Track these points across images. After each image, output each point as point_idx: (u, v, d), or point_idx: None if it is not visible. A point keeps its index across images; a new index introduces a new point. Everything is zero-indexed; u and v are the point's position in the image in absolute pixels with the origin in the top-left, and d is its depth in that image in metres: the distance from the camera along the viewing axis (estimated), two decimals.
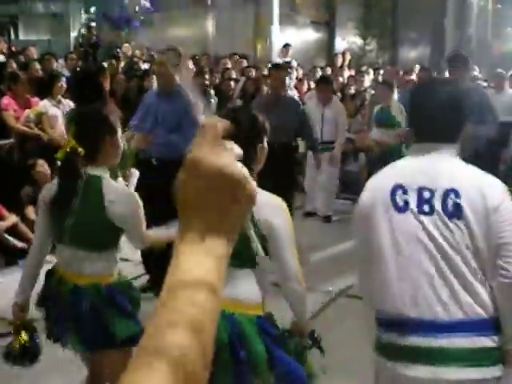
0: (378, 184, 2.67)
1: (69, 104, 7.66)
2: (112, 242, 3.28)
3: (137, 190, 3.55)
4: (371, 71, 13.01)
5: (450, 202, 2.50)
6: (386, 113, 8.56)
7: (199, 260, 0.91)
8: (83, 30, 14.01)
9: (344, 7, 18.63)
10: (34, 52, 10.62)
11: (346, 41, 18.42)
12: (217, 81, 10.86)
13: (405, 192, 2.57)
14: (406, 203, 2.56)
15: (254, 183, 0.95)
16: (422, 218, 2.53)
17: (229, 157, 0.94)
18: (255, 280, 2.84)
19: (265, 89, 9.67)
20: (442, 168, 2.58)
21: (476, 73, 14.60)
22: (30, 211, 6.86)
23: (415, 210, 2.55)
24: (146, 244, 3.36)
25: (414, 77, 11.55)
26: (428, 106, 2.65)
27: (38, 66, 8.93)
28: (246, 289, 2.81)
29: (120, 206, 3.16)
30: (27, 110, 7.73)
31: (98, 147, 3.20)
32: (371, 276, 2.68)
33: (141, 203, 3.25)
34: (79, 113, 3.49)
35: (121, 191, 3.24)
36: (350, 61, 14.15)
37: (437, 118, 2.61)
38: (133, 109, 6.22)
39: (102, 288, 3.20)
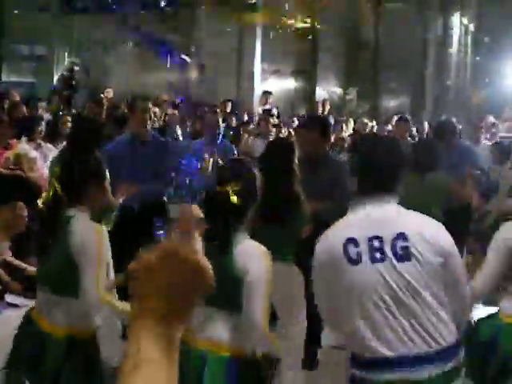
0: (330, 239, 2.79)
1: (48, 147, 7.68)
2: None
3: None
4: (351, 120, 13.14)
5: (398, 246, 2.67)
6: None
7: (154, 348, 0.97)
8: (65, 73, 14.07)
9: (325, 57, 18.91)
10: (16, 95, 10.64)
11: (327, 90, 18.65)
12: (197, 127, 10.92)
13: (356, 244, 2.69)
14: (359, 255, 2.68)
15: (212, 275, 1.03)
16: (376, 266, 2.67)
17: (198, 250, 1.01)
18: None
19: (245, 136, 9.76)
20: (388, 215, 2.76)
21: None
22: (7, 254, 6.81)
23: (368, 260, 2.68)
24: (99, 300, 3.05)
25: (390, 127, 11.72)
26: (370, 160, 2.86)
27: (24, 110, 8.92)
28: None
29: (78, 235, 3.09)
30: (7, 152, 7.70)
31: (81, 193, 3.23)
32: (340, 324, 2.79)
33: (106, 242, 3.17)
34: (66, 159, 3.52)
35: (84, 223, 3.18)
36: (329, 110, 14.30)
37: (378, 170, 2.81)
38: None
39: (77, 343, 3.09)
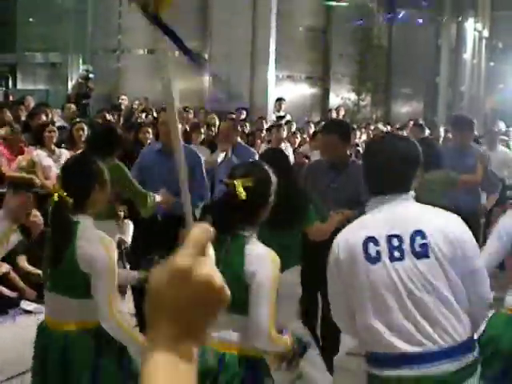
0: (350, 239, 2.77)
1: (64, 154, 7.68)
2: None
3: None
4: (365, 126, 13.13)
5: (417, 244, 2.67)
6: None
7: (172, 370, 0.95)
8: (80, 80, 14.13)
9: (338, 63, 18.90)
10: (30, 102, 10.70)
11: (340, 97, 18.62)
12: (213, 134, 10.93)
13: (376, 243, 2.70)
14: (378, 254, 2.69)
15: (228, 291, 1.00)
16: (395, 264, 2.67)
17: (211, 265, 0.99)
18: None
19: (258, 143, 9.76)
20: (405, 213, 2.77)
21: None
22: (22, 260, 6.84)
23: (387, 259, 2.68)
24: (112, 315, 3.02)
25: (405, 133, 11.70)
26: (379, 160, 2.84)
27: (44, 117, 8.90)
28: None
29: (86, 248, 3.06)
30: (19, 157, 7.69)
31: (85, 197, 3.19)
32: (355, 323, 2.79)
33: (114, 256, 3.10)
34: (67, 163, 3.49)
35: (93, 235, 3.13)
36: (343, 116, 14.30)
37: (388, 170, 2.78)
38: (129, 159, 6.18)
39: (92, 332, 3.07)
